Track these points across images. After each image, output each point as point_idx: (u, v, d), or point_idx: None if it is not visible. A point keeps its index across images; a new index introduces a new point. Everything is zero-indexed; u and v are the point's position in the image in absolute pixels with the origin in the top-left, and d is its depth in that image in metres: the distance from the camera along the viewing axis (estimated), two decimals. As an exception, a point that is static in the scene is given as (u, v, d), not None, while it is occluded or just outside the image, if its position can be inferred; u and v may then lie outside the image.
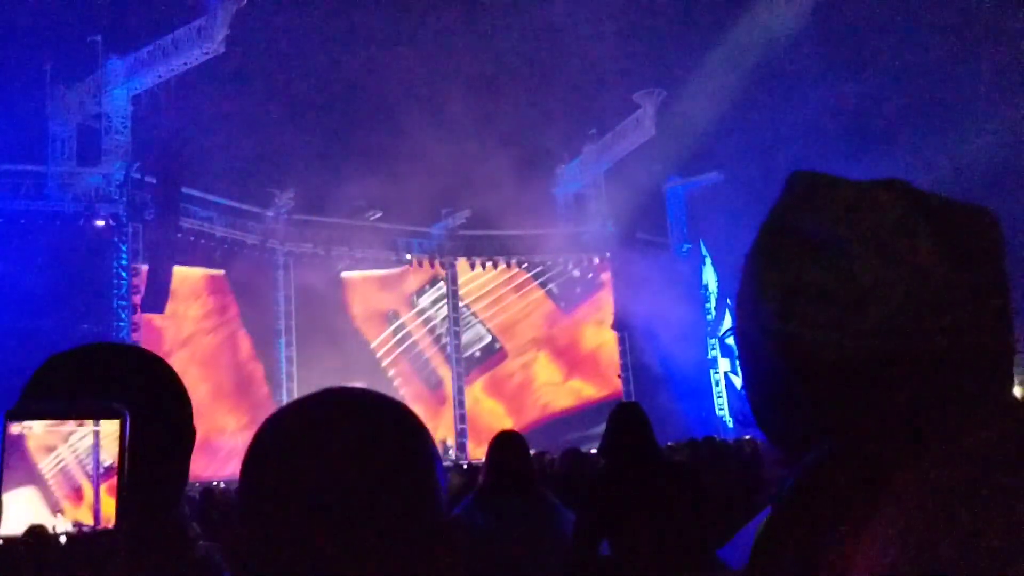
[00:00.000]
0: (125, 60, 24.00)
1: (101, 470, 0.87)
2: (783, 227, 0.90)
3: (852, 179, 0.91)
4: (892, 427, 0.81)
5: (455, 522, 0.94)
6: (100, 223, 22.98)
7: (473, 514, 3.99)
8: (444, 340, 31.84)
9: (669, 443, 12.03)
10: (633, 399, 26.08)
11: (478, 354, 32.64)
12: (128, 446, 0.87)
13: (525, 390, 32.79)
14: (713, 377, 32.04)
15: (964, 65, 30.07)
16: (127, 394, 1.04)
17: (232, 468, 24.86)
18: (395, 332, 30.94)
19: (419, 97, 28.94)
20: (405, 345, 31.12)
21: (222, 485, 15.07)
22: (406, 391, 30.26)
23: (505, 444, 4.22)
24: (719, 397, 31.86)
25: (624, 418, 4.12)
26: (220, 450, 23.63)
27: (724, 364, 32.03)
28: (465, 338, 32.24)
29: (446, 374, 31.68)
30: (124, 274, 22.87)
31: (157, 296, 22.35)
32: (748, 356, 0.94)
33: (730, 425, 29.69)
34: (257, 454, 0.95)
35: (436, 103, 28.85)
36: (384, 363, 30.60)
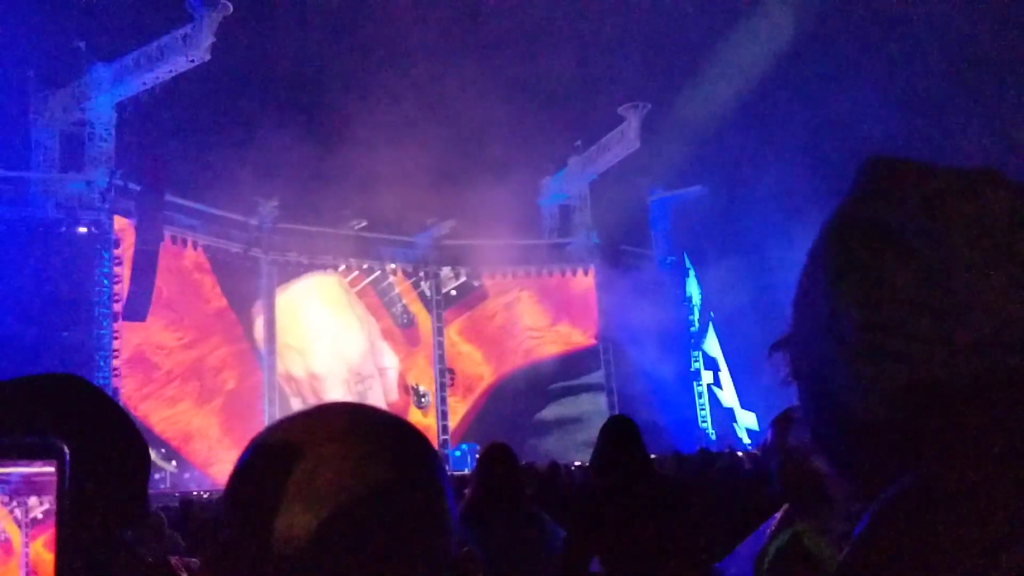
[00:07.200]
0: (110, 67, 23.88)
1: (30, 519, 0.69)
2: (860, 220, 0.76)
3: (942, 165, 0.77)
4: (996, 457, 0.68)
5: (469, 555, 0.86)
6: (83, 230, 22.78)
7: (460, 530, 3.95)
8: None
9: (652, 455, 12.04)
10: (617, 411, 26.06)
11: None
12: (69, 490, 0.70)
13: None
14: (696, 389, 32.11)
15: (963, 93, 30.42)
16: (65, 428, 0.95)
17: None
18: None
19: (405, 107, 28.94)
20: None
21: (205, 495, 14.82)
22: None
23: (494, 458, 4.19)
24: (702, 409, 31.94)
25: (617, 432, 4.07)
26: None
27: (707, 376, 32.12)
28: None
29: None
30: (106, 282, 22.67)
31: (139, 304, 22.17)
32: (813, 372, 0.80)
33: (713, 437, 29.75)
34: (251, 468, 0.82)
35: (422, 113, 28.87)
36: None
